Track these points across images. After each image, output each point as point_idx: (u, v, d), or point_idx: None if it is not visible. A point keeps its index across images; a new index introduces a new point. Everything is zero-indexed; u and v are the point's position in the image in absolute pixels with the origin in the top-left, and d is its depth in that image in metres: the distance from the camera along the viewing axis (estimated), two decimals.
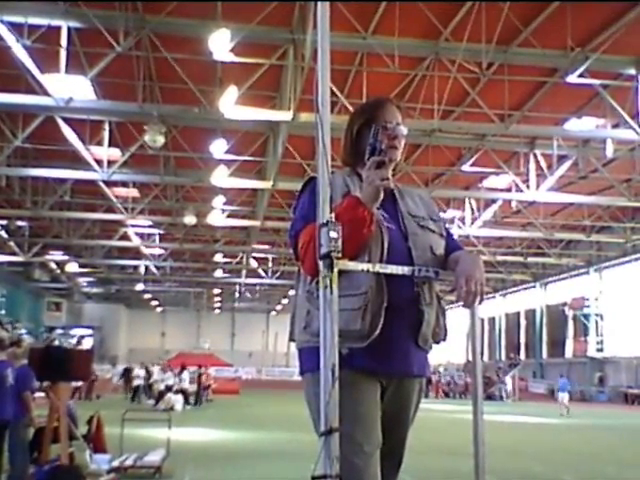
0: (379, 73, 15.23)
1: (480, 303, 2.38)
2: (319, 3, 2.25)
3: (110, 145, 19.39)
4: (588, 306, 38.68)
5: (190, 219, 25.91)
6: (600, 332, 38.38)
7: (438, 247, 2.55)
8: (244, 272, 43.93)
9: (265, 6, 13.04)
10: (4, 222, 31.35)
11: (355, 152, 2.58)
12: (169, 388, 24.32)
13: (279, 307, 61.17)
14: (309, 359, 2.35)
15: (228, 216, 28.08)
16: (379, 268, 2.27)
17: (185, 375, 26.03)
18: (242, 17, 13.35)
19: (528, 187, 21.66)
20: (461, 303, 2.36)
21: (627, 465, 11.32)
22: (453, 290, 2.40)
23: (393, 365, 2.40)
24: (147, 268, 42.99)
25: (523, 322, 48.23)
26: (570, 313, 40.65)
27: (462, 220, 27.69)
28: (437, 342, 2.53)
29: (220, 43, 13.34)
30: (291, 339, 2.57)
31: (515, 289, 48.61)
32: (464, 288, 2.34)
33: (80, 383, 21.36)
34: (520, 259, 37.20)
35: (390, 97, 2.57)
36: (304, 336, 2.43)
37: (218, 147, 18.94)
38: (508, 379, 37.58)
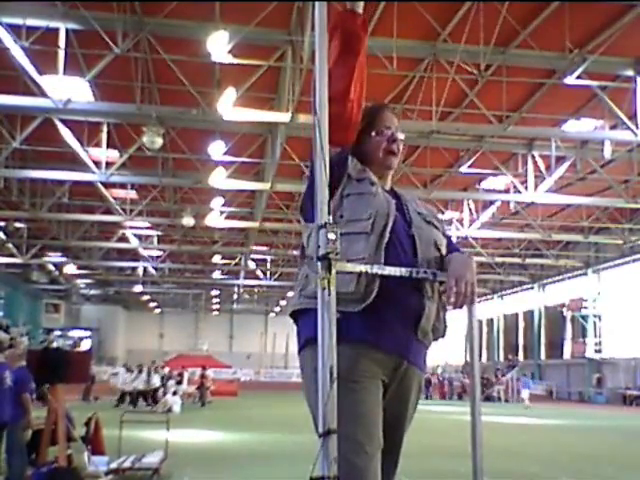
0: (377, 75, 15.14)
1: (471, 304, 2.37)
2: (317, 4, 2.25)
3: (108, 147, 19.37)
4: (586, 307, 38.65)
5: (188, 221, 25.90)
6: (598, 333, 38.37)
7: (442, 243, 2.57)
8: (242, 274, 43.91)
9: (263, 8, 13.04)
10: (2, 224, 31.28)
11: (355, 157, 2.59)
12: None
13: (277, 309, 61.13)
14: (306, 329, 2.35)
15: (226, 218, 28.06)
16: (377, 269, 2.27)
17: (156, 378, 25.81)
18: (240, 19, 13.35)
19: (526, 188, 21.67)
20: (451, 304, 2.36)
21: (626, 467, 11.31)
22: (444, 291, 2.40)
23: (392, 342, 2.37)
24: (145, 270, 42.96)
25: (521, 323, 48.21)
26: (568, 314, 40.62)
27: (460, 221, 27.71)
28: (436, 338, 2.52)
29: (218, 45, 13.34)
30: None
31: (513, 290, 48.63)
32: (454, 289, 2.33)
33: None
34: (518, 260, 37.18)
35: (387, 104, 2.64)
36: (299, 300, 2.43)
37: (216, 149, 18.91)
38: (520, 383, 36.59)
